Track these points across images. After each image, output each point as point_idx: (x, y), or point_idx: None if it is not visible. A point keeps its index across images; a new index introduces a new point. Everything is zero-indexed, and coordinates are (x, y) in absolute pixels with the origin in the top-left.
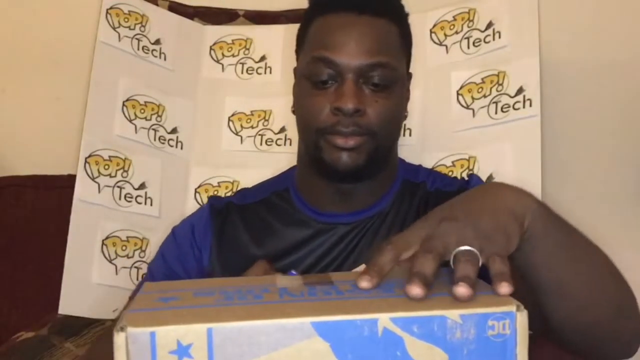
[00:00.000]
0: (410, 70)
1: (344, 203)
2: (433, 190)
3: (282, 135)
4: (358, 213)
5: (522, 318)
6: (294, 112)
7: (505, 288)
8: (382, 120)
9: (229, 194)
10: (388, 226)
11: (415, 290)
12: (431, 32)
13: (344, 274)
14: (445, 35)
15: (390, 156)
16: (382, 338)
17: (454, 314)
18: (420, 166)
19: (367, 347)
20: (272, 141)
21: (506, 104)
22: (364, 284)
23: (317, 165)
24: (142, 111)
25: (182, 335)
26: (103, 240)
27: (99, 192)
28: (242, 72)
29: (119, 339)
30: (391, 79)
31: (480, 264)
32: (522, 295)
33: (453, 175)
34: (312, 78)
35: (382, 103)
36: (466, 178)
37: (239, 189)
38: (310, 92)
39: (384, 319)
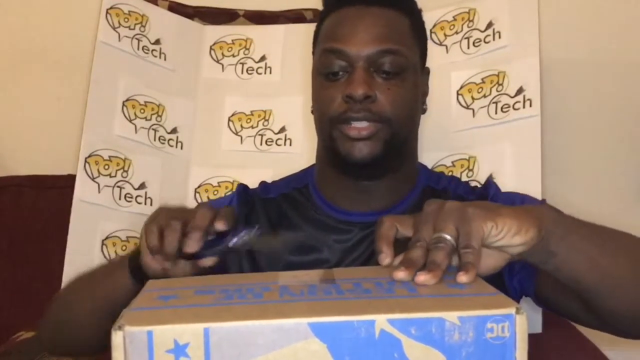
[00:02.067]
0: None
1: (362, 202)
2: (456, 197)
3: (282, 135)
4: (377, 213)
5: (521, 320)
6: (312, 112)
7: (462, 277)
8: (395, 107)
9: (229, 194)
10: None
11: (399, 275)
12: (431, 32)
13: (347, 270)
14: (445, 35)
15: (407, 150)
16: (380, 339)
17: (452, 316)
18: (442, 173)
19: (364, 349)
20: (272, 141)
21: (506, 104)
22: (385, 259)
23: (334, 159)
24: (142, 111)
25: (179, 334)
26: (103, 240)
27: (99, 192)
28: (242, 72)
29: (117, 337)
30: (402, 66)
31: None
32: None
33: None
34: (323, 70)
35: (395, 90)
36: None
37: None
38: (323, 85)
39: (381, 321)
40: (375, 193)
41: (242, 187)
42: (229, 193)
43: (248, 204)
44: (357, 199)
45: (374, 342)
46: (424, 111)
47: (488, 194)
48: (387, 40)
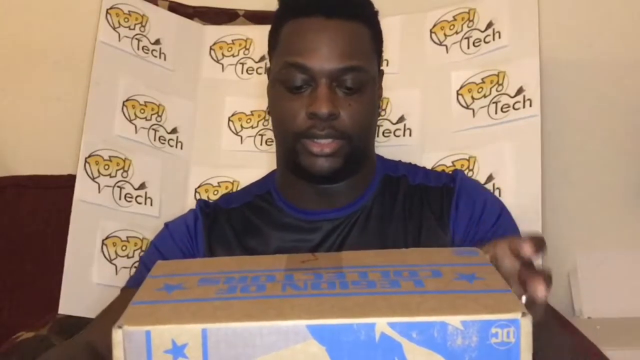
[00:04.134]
0: (409, 70)
1: (325, 201)
2: (417, 184)
3: None
4: (340, 210)
5: (526, 324)
6: (269, 113)
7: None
8: (356, 122)
9: (189, 211)
10: (374, 219)
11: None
12: (431, 32)
13: (356, 255)
14: (445, 35)
15: (366, 155)
16: (380, 343)
17: (455, 320)
18: (399, 162)
19: (364, 352)
20: (272, 141)
21: (506, 104)
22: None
23: (295, 169)
24: (142, 111)
25: (177, 335)
26: (103, 240)
27: (99, 192)
28: (242, 72)
29: (117, 335)
30: (364, 82)
31: None
32: None
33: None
34: (286, 83)
35: (355, 106)
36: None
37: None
38: (286, 97)
39: (382, 324)
40: (337, 193)
41: (202, 202)
42: (190, 210)
43: (209, 215)
44: (320, 200)
45: (374, 346)
46: (379, 115)
47: (454, 184)
48: (350, 57)
